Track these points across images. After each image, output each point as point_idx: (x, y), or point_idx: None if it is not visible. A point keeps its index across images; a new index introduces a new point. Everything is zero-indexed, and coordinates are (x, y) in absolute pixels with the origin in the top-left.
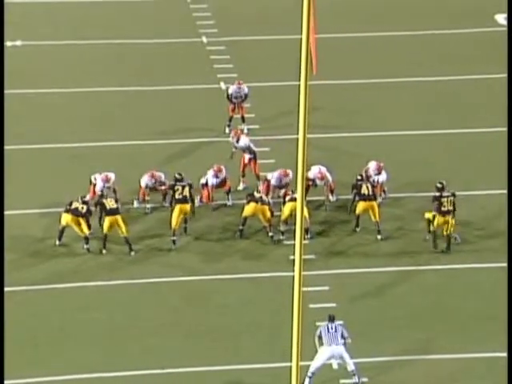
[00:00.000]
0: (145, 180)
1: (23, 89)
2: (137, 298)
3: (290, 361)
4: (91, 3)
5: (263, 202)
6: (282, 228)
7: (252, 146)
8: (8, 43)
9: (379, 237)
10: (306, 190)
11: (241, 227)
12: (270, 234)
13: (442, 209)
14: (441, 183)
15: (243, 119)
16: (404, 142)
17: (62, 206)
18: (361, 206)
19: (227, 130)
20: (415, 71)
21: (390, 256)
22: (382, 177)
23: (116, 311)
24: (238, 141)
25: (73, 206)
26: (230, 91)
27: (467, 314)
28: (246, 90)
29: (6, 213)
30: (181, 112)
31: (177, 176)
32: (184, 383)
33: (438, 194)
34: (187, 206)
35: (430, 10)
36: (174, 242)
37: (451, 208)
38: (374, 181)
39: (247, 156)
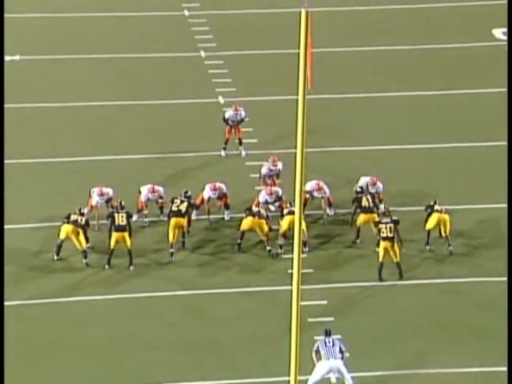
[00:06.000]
0: (144, 193)
1: (21, 103)
2: (134, 312)
3: (289, 375)
4: (89, 18)
5: (260, 216)
6: (281, 242)
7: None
8: (7, 58)
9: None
10: (304, 203)
11: (239, 241)
12: (268, 248)
13: (382, 235)
14: (385, 208)
15: (240, 142)
16: (401, 155)
17: (60, 221)
18: (362, 218)
19: (223, 153)
20: (413, 86)
21: (388, 269)
22: (378, 188)
23: (113, 325)
24: (275, 165)
25: (72, 218)
26: (226, 115)
27: (466, 328)
28: (244, 113)
29: (5, 227)
30: (179, 126)
31: (183, 192)
32: None
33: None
34: (182, 220)
35: (428, 25)
36: (171, 254)
37: (390, 235)
38: (371, 194)
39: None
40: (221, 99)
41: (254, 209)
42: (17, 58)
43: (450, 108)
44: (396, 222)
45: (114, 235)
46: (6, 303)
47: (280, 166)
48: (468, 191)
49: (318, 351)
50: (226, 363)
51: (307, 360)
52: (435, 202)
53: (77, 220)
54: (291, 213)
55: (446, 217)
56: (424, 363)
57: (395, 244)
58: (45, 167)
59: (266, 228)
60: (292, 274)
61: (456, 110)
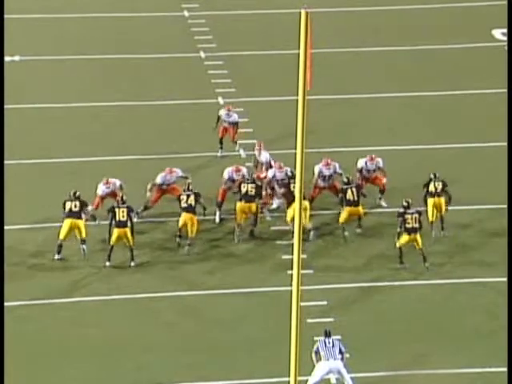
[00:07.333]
0: (162, 176)
1: (22, 104)
2: (133, 312)
3: (289, 376)
4: (89, 18)
5: (248, 200)
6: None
7: (272, 162)
8: (7, 58)
9: (345, 234)
10: (312, 197)
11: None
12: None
13: (407, 226)
14: (407, 202)
15: (235, 143)
16: (400, 156)
17: (60, 222)
18: (346, 211)
19: (219, 153)
20: (412, 86)
21: (388, 270)
22: (378, 162)
23: (112, 326)
24: (259, 154)
25: (67, 208)
26: (220, 113)
27: (466, 329)
28: (236, 116)
29: (5, 228)
30: (179, 126)
31: (186, 188)
32: None
33: (402, 210)
34: (191, 215)
35: (427, 26)
36: (178, 244)
37: (416, 225)
38: (369, 171)
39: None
40: (220, 100)
41: (243, 189)
42: (17, 58)
43: (450, 108)
44: (421, 213)
45: (116, 231)
46: (6, 303)
47: (235, 116)
48: (467, 191)
49: (317, 352)
50: (226, 364)
51: (307, 361)
52: (434, 176)
53: (71, 209)
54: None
55: (441, 200)
56: (424, 364)
57: (419, 234)
58: (45, 168)
59: (254, 209)
60: (292, 274)
61: (456, 110)
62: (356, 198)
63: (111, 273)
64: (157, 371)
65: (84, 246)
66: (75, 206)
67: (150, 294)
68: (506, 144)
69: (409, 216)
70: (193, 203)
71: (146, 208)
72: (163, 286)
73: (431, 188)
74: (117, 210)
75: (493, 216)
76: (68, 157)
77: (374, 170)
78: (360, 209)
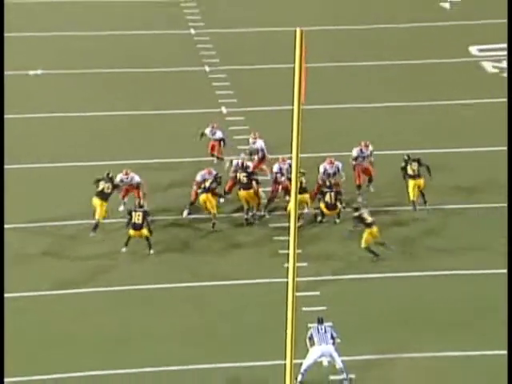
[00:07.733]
0: (201, 174)
1: (32, 113)
2: (135, 303)
3: (285, 359)
4: (105, 36)
5: (248, 188)
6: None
7: (265, 150)
8: (30, 72)
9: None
10: (318, 192)
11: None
12: (246, 216)
13: (367, 222)
14: (357, 204)
15: (217, 158)
16: (390, 160)
17: (58, 221)
18: (324, 211)
19: (215, 161)
20: (400, 97)
21: (377, 262)
22: (370, 149)
23: (114, 317)
24: (254, 143)
25: (99, 188)
26: (205, 131)
27: (449, 318)
28: (220, 133)
29: (6, 226)
30: (185, 134)
31: (213, 177)
32: (184, 380)
33: (357, 214)
34: (207, 196)
35: (409, 42)
36: (187, 210)
37: (373, 219)
38: (364, 158)
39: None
40: (223, 109)
41: (242, 178)
42: (39, 72)
43: (439, 117)
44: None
45: (132, 231)
46: (6, 295)
47: (220, 133)
48: (464, 192)
49: (311, 337)
50: (226, 349)
51: (302, 346)
52: (408, 157)
53: (103, 190)
54: (300, 193)
55: (421, 181)
56: (408, 348)
57: (375, 227)
58: (47, 171)
59: (255, 197)
60: (288, 267)
61: (444, 119)
62: (334, 202)
63: (112, 265)
64: (159, 358)
65: (93, 233)
66: (108, 188)
67: (153, 285)
68: (491, 149)
69: (365, 215)
70: (207, 185)
71: (191, 204)
72: (166, 276)
73: (409, 171)
74: (133, 213)
75: (491, 214)
76: (71, 161)
77: (370, 156)
78: (336, 211)
